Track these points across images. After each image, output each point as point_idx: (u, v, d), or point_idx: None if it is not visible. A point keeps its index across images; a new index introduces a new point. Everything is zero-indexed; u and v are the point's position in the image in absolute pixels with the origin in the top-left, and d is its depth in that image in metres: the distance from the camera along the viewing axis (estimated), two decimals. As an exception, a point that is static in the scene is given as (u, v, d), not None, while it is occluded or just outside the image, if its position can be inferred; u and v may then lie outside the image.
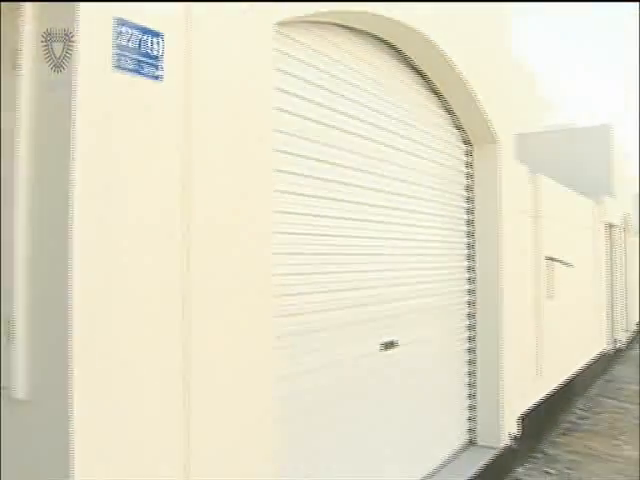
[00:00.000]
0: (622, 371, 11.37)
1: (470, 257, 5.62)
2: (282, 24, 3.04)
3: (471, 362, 5.62)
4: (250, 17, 2.67)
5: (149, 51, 2.23)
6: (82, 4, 1.95)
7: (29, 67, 2.05)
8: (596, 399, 9.12)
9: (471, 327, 5.62)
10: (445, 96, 5.03)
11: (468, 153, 5.62)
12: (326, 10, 3.17)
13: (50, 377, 1.96)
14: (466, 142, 5.57)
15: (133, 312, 2.12)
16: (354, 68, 3.90)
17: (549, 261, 7.38)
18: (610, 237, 12.37)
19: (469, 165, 5.63)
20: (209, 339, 2.43)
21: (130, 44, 2.15)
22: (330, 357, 3.64)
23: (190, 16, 2.36)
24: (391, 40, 4.18)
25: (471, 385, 5.62)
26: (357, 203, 3.92)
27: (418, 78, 4.72)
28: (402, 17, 3.85)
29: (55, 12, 2.01)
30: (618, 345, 12.54)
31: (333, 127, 3.68)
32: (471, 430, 5.64)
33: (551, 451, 6.68)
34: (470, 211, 5.61)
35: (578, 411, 8.40)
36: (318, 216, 3.56)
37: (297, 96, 3.36)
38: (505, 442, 5.63)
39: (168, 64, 2.27)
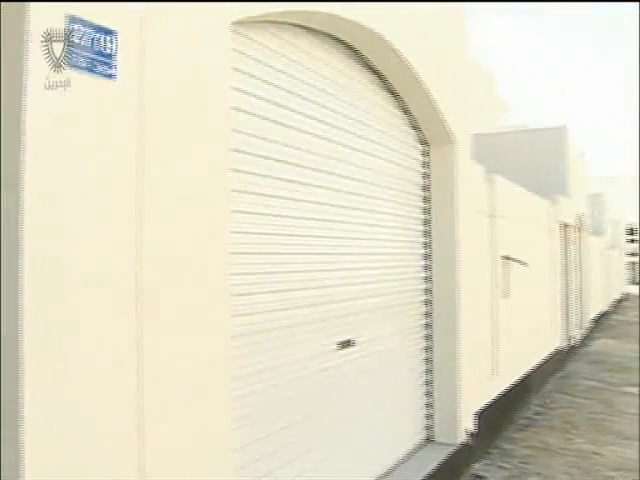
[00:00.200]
0: (576, 367, 11.62)
1: (427, 256, 5.68)
2: (239, 24, 3.04)
3: (428, 360, 5.69)
4: (206, 16, 2.67)
5: (102, 49, 2.21)
6: (32, 3, 1.93)
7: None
8: (551, 395, 9.30)
9: (428, 326, 5.69)
10: (402, 96, 5.07)
11: (425, 153, 5.67)
12: (281, 10, 3.18)
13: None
14: (423, 142, 5.63)
15: (84, 312, 2.10)
16: (311, 68, 3.92)
17: (505, 260, 7.50)
18: (565, 236, 12.62)
19: (426, 165, 5.68)
20: (164, 339, 2.42)
21: (83, 42, 2.13)
22: (287, 356, 3.65)
23: (145, 15, 2.35)
24: (348, 40, 4.20)
25: (428, 383, 5.69)
26: (315, 203, 3.93)
27: (375, 78, 4.75)
28: (358, 17, 3.87)
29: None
30: (572, 342, 12.79)
31: (291, 127, 3.69)
32: (429, 427, 5.70)
33: (507, 446, 6.80)
34: (427, 211, 5.67)
35: (533, 407, 8.56)
36: (278, 216, 3.57)
37: (255, 96, 3.37)
38: (462, 439, 5.71)
39: (122, 63, 2.25)
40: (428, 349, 5.69)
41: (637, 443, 6.84)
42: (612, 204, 27.15)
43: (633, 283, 43.32)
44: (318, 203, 3.96)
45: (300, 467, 3.77)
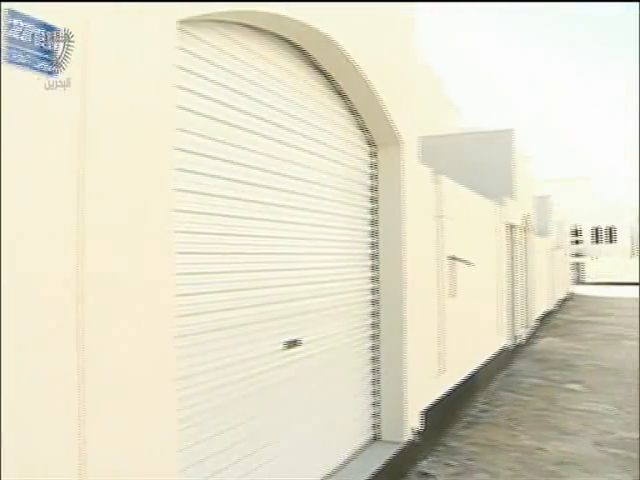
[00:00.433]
0: (521, 365, 11.85)
1: (374, 256, 5.72)
2: (187, 23, 3.03)
3: (375, 359, 5.73)
4: (151, 14, 2.65)
5: (43, 46, 2.17)
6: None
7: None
8: (497, 393, 9.47)
9: (375, 325, 5.73)
10: (349, 97, 5.10)
11: (373, 154, 5.71)
12: (225, 10, 3.17)
13: None
14: (370, 143, 5.67)
15: (21, 315, 2.06)
16: (259, 68, 3.91)
17: (451, 260, 7.61)
18: (511, 237, 12.85)
19: (373, 166, 5.72)
20: (105, 340, 2.39)
21: (23, 38, 2.09)
22: (233, 356, 3.65)
23: (89, 12, 2.32)
24: (294, 40, 4.20)
25: (375, 382, 5.73)
26: (262, 203, 3.93)
27: (322, 79, 4.77)
28: (303, 17, 3.88)
29: None
30: (518, 341, 13.05)
31: (238, 127, 3.69)
32: (375, 426, 5.75)
33: (453, 444, 6.90)
34: (374, 211, 5.71)
35: (479, 405, 8.70)
36: (225, 216, 3.57)
37: (202, 96, 3.36)
38: (408, 437, 5.78)
39: (63, 59, 2.21)
40: (375, 348, 5.73)
41: (579, 438, 7.03)
42: (558, 206, 27.79)
43: (578, 283, 44.42)
44: (264, 203, 3.96)
45: (246, 467, 3.77)
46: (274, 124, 4.06)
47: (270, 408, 4.05)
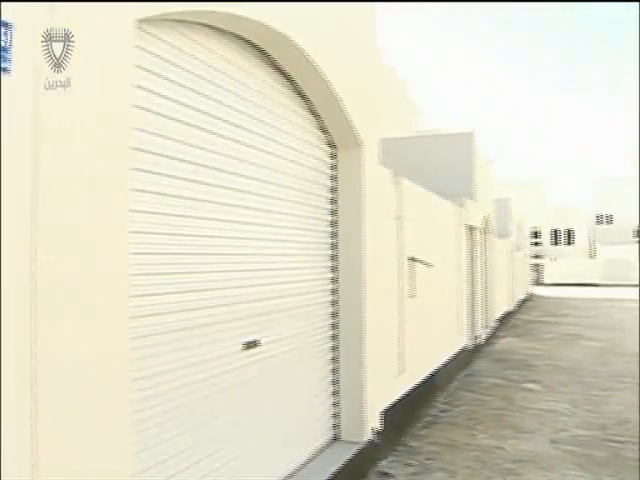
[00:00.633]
0: (481, 366, 11.99)
1: (334, 257, 5.74)
2: (147, 22, 3.01)
3: (335, 360, 5.75)
4: (109, 13, 2.62)
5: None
6: None
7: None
8: (456, 393, 9.56)
9: (334, 326, 5.75)
10: (309, 98, 5.11)
11: (332, 155, 5.73)
12: (181, 10, 3.15)
13: None
14: (331, 145, 5.68)
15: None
16: (218, 68, 3.90)
17: (411, 261, 7.67)
18: (471, 238, 13.01)
19: (334, 167, 5.74)
20: (58, 339, 2.37)
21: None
22: (192, 357, 3.63)
23: (46, 10, 2.29)
24: (253, 40, 4.20)
25: (335, 382, 5.75)
26: (219, 203, 3.92)
27: (283, 79, 4.77)
28: (261, 17, 3.87)
29: None
30: (478, 341, 13.20)
31: (196, 127, 3.68)
32: (335, 426, 5.76)
33: (413, 443, 6.95)
34: (334, 212, 5.73)
35: (439, 404, 8.78)
36: (180, 216, 3.55)
37: (161, 95, 3.35)
38: (368, 437, 5.81)
39: (18, 56, 2.18)
40: (334, 349, 5.75)
41: (536, 436, 7.14)
42: (517, 208, 28.18)
43: (537, 284, 45.14)
44: (221, 204, 3.95)
45: (207, 467, 3.77)
46: (232, 124, 4.05)
47: (231, 408, 4.04)
